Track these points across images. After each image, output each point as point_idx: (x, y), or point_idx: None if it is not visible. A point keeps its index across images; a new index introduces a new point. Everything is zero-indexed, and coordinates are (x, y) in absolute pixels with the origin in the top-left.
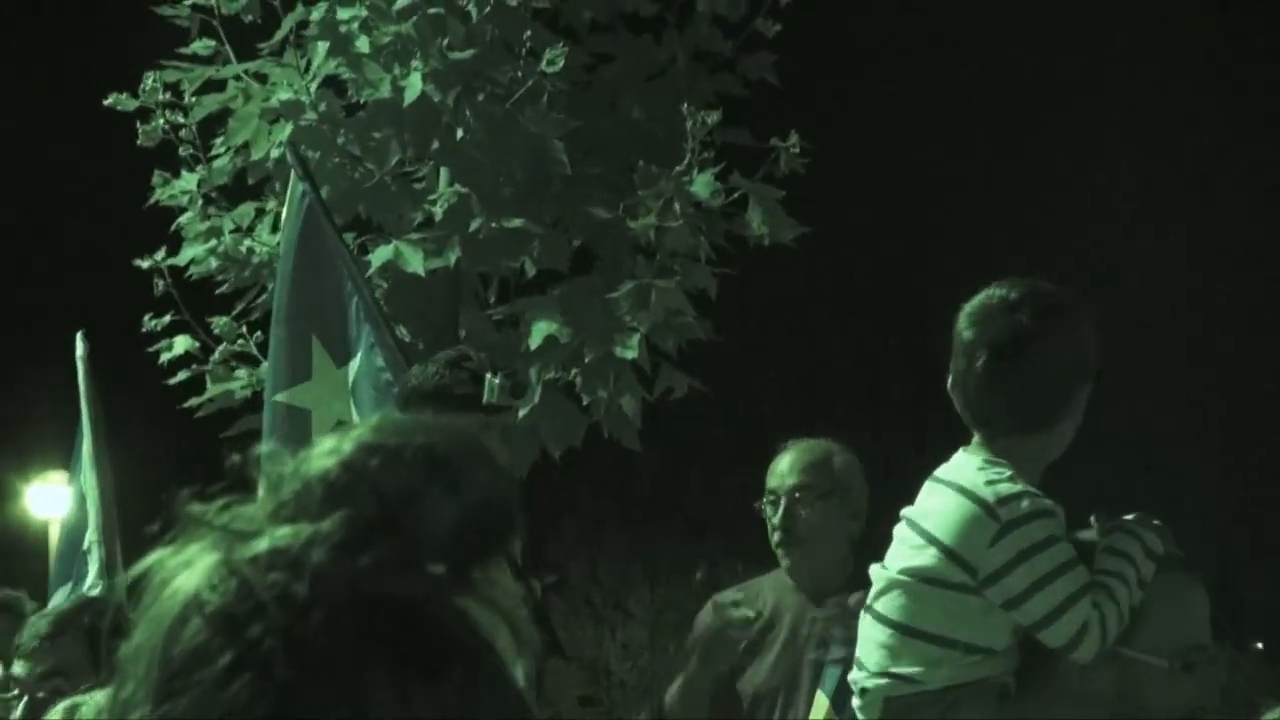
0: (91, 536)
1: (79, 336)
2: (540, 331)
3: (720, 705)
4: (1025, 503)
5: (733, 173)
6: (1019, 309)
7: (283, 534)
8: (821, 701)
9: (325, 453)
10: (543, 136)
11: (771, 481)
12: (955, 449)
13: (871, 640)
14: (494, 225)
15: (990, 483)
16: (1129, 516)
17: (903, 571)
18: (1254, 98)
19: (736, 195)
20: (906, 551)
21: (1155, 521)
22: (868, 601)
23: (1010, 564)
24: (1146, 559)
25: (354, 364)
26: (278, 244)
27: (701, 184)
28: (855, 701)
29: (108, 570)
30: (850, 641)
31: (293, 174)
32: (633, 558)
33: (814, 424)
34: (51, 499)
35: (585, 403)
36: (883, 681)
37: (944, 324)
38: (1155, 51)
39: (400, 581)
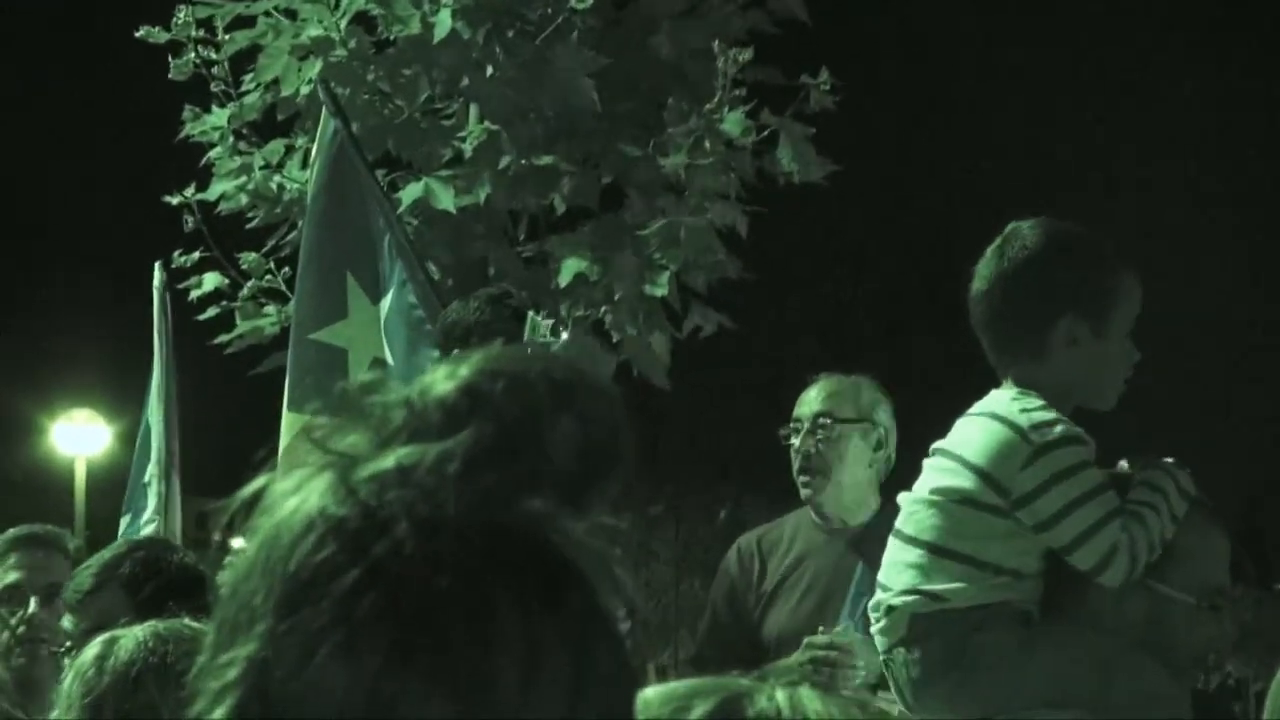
0: (152, 470)
1: (157, 266)
2: (570, 269)
3: (749, 646)
4: (1058, 428)
5: (763, 110)
6: (1018, 238)
7: (407, 453)
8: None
9: (442, 378)
10: (573, 73)
11: (799, 409)
12: (977, 390)
13: (899, 561)
14: (524, 162)
15: (1024, 410)
16: (1155, 461)
17: (934, 492)
18: None
19: (767, 133)
20: (937, 476)
21: (1186, 468)
22: (896, 525)
23: (1042, 486)
24: (1180, 497)
25: (386, 301)
26: (308, 180)
27: (732, 121)
28: (877, 623)
29: (166, 506)
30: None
31: (324, 110)
32: (657, 497)
33: (841, 364)
34: (78, 436)
35: (615, 340)
36: (910, 599)
37: (972, 264)
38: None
39: (524, 505)
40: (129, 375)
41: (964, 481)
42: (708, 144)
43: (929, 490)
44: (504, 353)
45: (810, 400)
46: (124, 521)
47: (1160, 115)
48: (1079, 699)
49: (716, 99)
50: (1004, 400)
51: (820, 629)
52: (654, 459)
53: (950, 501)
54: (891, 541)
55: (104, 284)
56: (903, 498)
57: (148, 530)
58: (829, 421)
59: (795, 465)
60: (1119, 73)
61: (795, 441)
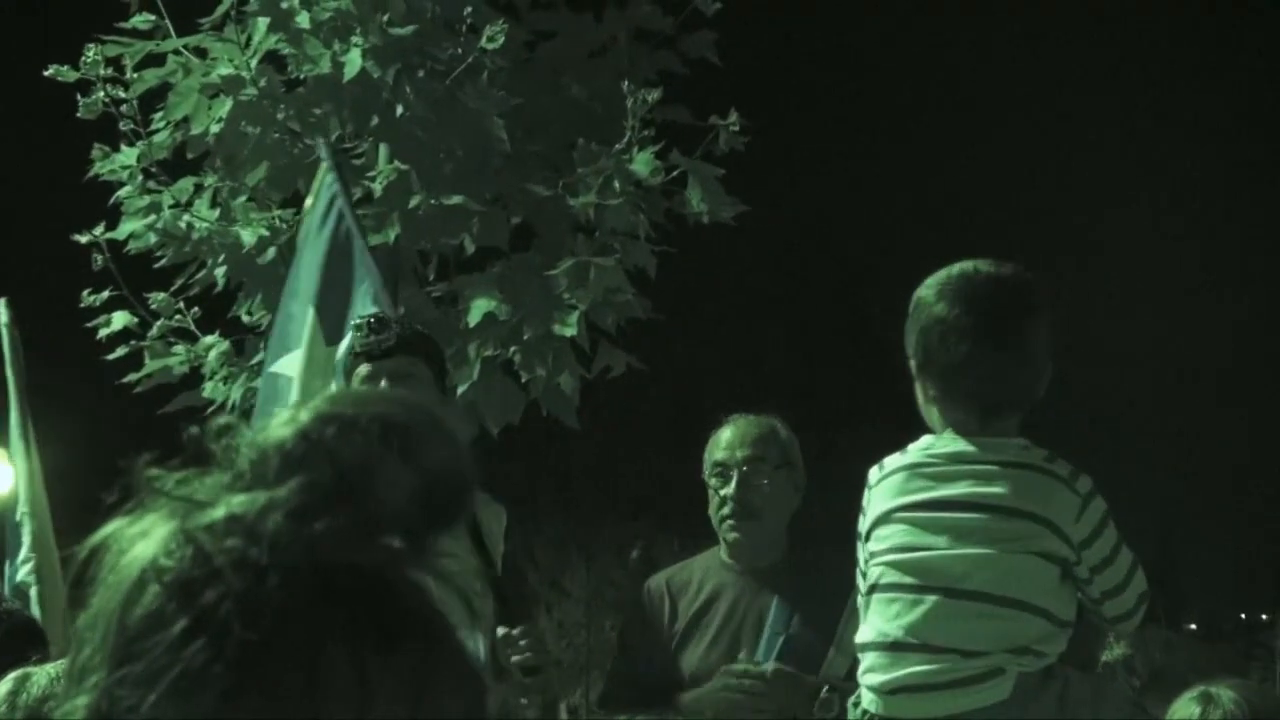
0: (23, 509)
1: (1, 304)
2: (479, 309)
3: (659, 685)
4: (1086, 477)
5: (672, 151)
6: (1012, 293)
7: (240, 501)
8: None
9: (282, 423)
10: (482, 114)
11: (718, 454)
12: (894, 429)
13: (976, 623)
14: (433, 202)
15: (1048, 459)
16: None
17: (1005, 548)
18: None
19: (676, 173)
20: (988, 532)
21: None
22: (942, 584)
23: (1093, 535)
24: None
25: (343, 345)
26: (216, 219)
27: (641, 162)
28: (951, 690)
29: (38, 545)
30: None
31: (322, 163)
32: (569, 537)
33: (752, 404)
34: None
35: (524, 380)
36: (1018, 660)
37: (885, 301)
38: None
39: (356, 549)
40: (45, 416)
41: (1033, 534)
42: (617, 184)
43: (995, 546)
44: (345, 396)
45: (733, 444)
46: (6, 566)
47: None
48: None
49: (626, 139)
50: (1013, 450)
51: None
52: (566, 499)
53: (1025, 555)
54: (943, 602)
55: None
56: (923, 556)
57: (25, 570)
58: (759, 467)
59: (723, 511)
60: (1037, 111)
61: (720, 487)
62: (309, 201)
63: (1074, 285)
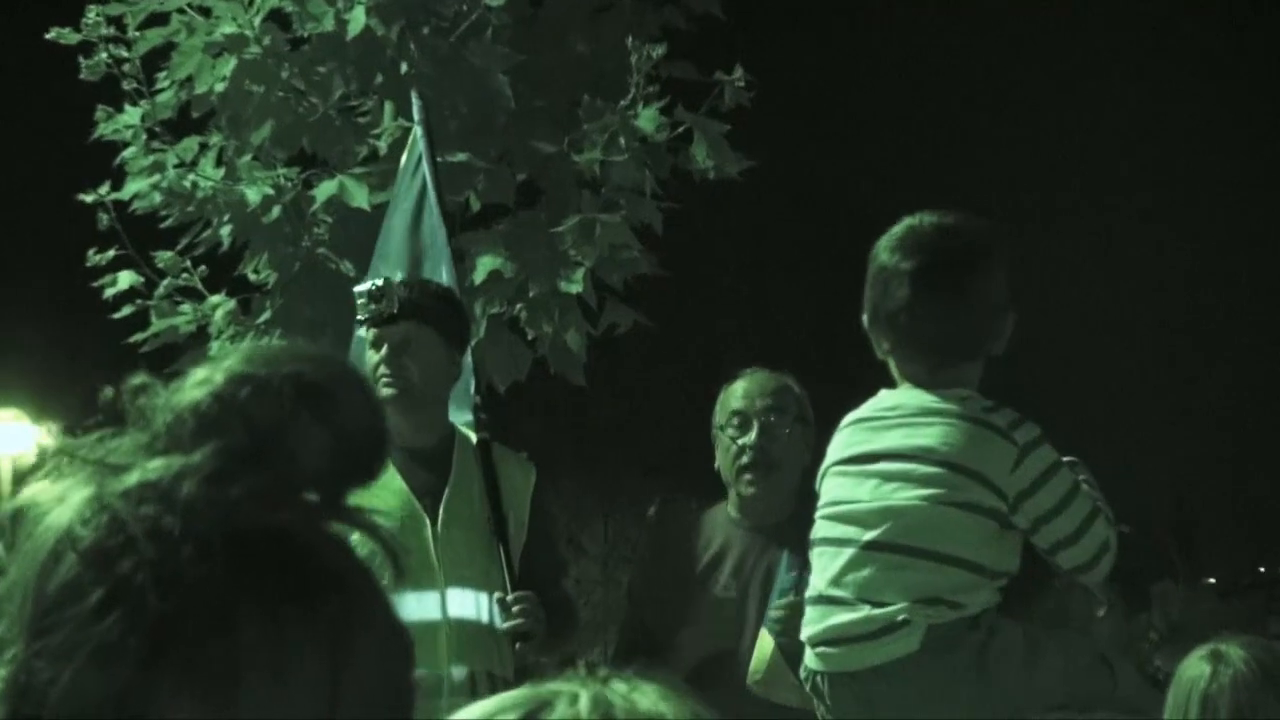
0: None
1: None
2: (485, 266)
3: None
4: (1030, 426)
5: (677, 107)
6: (956, 237)
7: (154, 466)
8: (766, 640)
9: (196, 383)
10: (487, 70)
11: (735, 403)
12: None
13: (890, 574)
14: (438, 160)
15: (988, 410)
16: (1066, 458)
17: (924, 499)
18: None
19: (682, 129)
20: (911, 484)
21: (1080, 464)
22: (863, 537)
23: (1034, 486)
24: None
25: None
26: (221, 178)
27: (646, 118)
28: (867, 641)
29: None
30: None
31: (416, 122)
32: (586, 493)
33: (766, 361)
34: (3, 436)
35: (530, 337)
36: (930, 610)
37: None
38: None
39: (272, 510)
40: (55, 375)
41: (958, 486)
42: (622, 140)
43: (916, 497)
44: (258, 354)
45: (751, 394)
46: None
47: (1092, 111)
48: (1094, 698)
49: (631, 95)
50: (952, 401)
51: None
52: (583, 456)
53: (947, 506)
54: (862, 554)
55: (26, 285)
56: (849, 508)
57: None
58: (781, 418)
59: (740, 461)
60: (1045, 66)
61: (738, 436)
62: (403, 160)
63: (1089, 244)
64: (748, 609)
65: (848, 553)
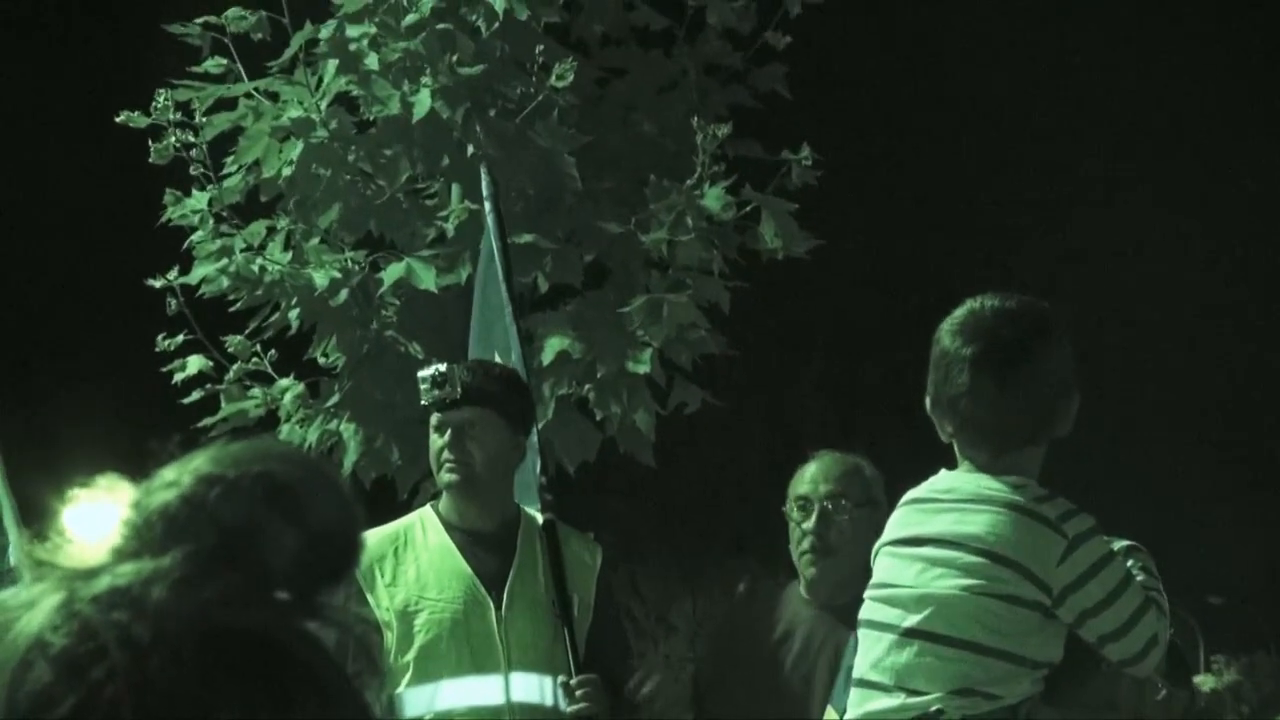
0: (15, 551)
1: None
2: (553, 347)
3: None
4: (1083, 518)
5: (744, 186)
6: (1016, 322)
7: (123, 571)
8: (831, 716)
9: (164, 485)
10: (554, 151)
11: (801, 488)
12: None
13: (926, 662)
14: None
15: (1039, 499)
16: (1124, 542)
17: (965, 589)
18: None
19: (749, 208)
20: (954, 571)
21: (1141, 550)
22: (904, 623)
23: (1081, 579)
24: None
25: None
26: (289, 262)
27: (713, 197)
28: None
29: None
30: None
31: (485, 197)
32: (672, 571)
33: (846, 437)
34: (88, 517)
35: (599, 418)
36: (964, 700)
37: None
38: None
39: (245, 613)
40: (129, 460)
41: (1000, 578)
42: (689, 220)
43: (957, 586)
44: (226, 455)
45: (816, 479)
46: None
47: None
48: None
49: (697, 175)
50: (1004, 489)
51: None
52: (669, 532)
53: (987, 598)
54: (901, 640)
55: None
56: (894, 592)
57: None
58: (840, 504)
59: (802, 545)
60: (1115, 141)
61: (801, 520)
62: (482, 241)
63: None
64: (814, 688)
65: (888, 638)
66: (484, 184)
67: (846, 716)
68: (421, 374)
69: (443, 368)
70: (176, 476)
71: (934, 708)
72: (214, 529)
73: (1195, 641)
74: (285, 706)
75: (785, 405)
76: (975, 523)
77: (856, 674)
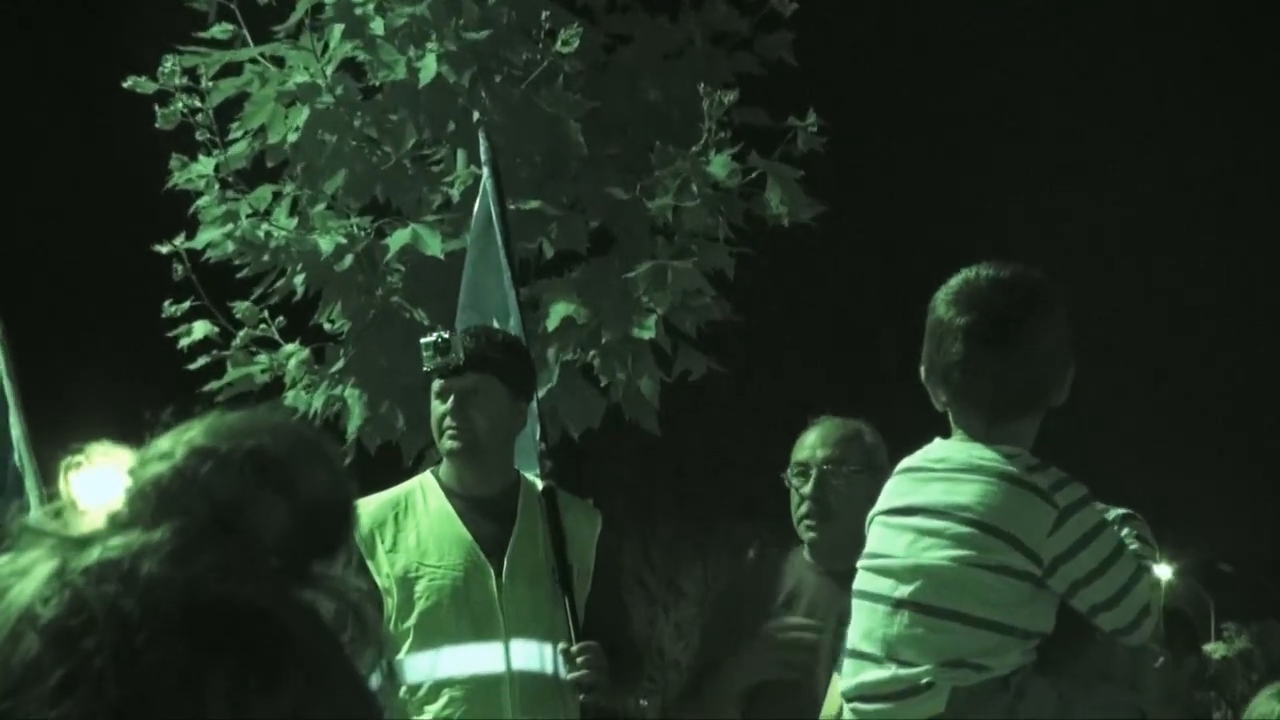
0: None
1: None
2: (558, 313)
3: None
4: (1074, 487)
5: (750, 152)
6: (1012, 290)
7: (114, 544)
8: (838, 684)
9: (158, 456)
10: (559, 118)
11: (800, 454)
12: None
13: (917, 634)
14: (511, 207)
15: (1031, 469)
16: (1120, 510)
17: (955, 560)
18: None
19: (754, 175)
20: (944, 542)
21: (1137, 518)
22: (895, 594)
23: (1073, 549)
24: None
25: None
26: (295, 227)
27: (719, 164)
28: (893, 701)
29: None
30: None
31: (484, 163)
32: (684, 538)
33: (854, 402)
34: (91, 484)
35: (604, 384)
36: (954, 672)
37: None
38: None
39: (235, 585)
40: (136, 425)
41: (990, 548)
42: (695, 187)
43: (947, 557)
44: (220, 427)
45: (814, 444)
46: None
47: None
48: None
49: (703, 141)
50: (996, 457)
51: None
52: (679, 498)
53: (977, 569)
54: (893, 611)
55: (104, 335)
56: (886, 562)
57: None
58: (838, 469)
59: (800, 510)
60: (1120, 111)
61: (800, 485)
62: (475, 205)
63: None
64: (819, 654)
65: (880, 609)
66: (482, 149)
67: (840, 687)
68: (424, 340)
69: (445, 334)
70: (170, 448)
71: (924, 679)
72: (205, 502)
73: (1206, 609)
74: (274, 677)
75: (794, 371)
76: (966, 492)
77: (849, 644)
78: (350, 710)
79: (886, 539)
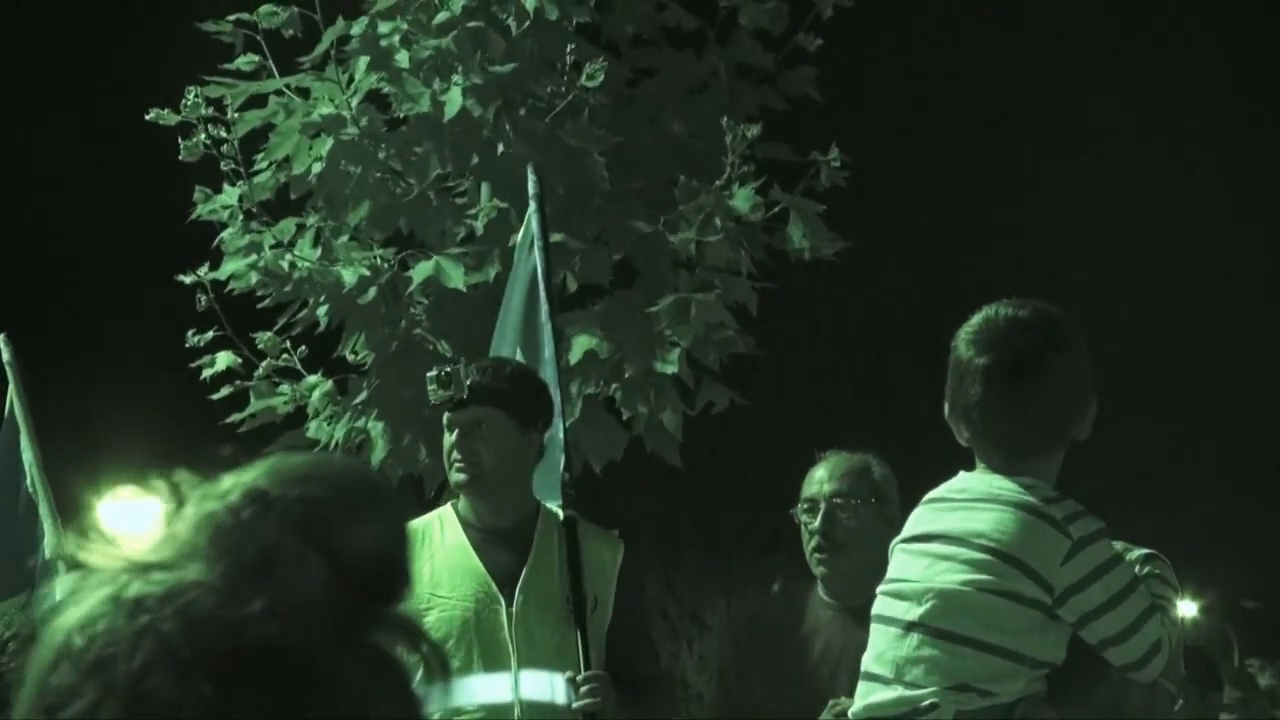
0: (52, 543)
1: (1, 340)
2: (581, 346)
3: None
4: (1090, 520)
5: (773, 187)
6: (1030, 330)
7: (159, 578)
8: None
9: (218, 494)
10: (583, 151)
11: (809, 489)
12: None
13: (925, 656)
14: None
15: (1048, 500)
16: (1143, 551)
17: (966, 584)
18: None
19: (777, 209)
20: (957, 566)
21: (1161, 559)
22: (907, 616)
23: (1085, 581)
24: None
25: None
26: (318, 259)
27: (742, 198)
28: None
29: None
30: None
31: (531, 196)
32: (708, 571)
33: (883, 436)
34: (125, 513)
35: (626, 417)
36: (959, 695)
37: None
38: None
39: (279, 632)
40: (166, 455)
41: (1001, 574)
42: (718, 221)
43: (958, 581)
44: (280, 469)
45: (822, 479)
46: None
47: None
48: None
49: (726, 175)
50: (1014, 488)
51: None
52: (703, 532)
53: (987, 594)
54: (904, 634)
55: (134, 365)
56: (901, 586)
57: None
58: (846, 502)
59: (810, 545)
60: (1144, 146)
61: (809, 521)
62: (519, 237)
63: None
64: (837, 688)
65: (893, 631)
66: (530, 183)
67: (852, 709)
68: (429, 374)
69: (448, 368)
70: (230, 486)
71: (928, 700)
72: (252, 546)
73: (1229, 647)
74: None
75: (820, 404)
76: (982, 520)
77: (864, 667)
78: None
79: (904, 565)
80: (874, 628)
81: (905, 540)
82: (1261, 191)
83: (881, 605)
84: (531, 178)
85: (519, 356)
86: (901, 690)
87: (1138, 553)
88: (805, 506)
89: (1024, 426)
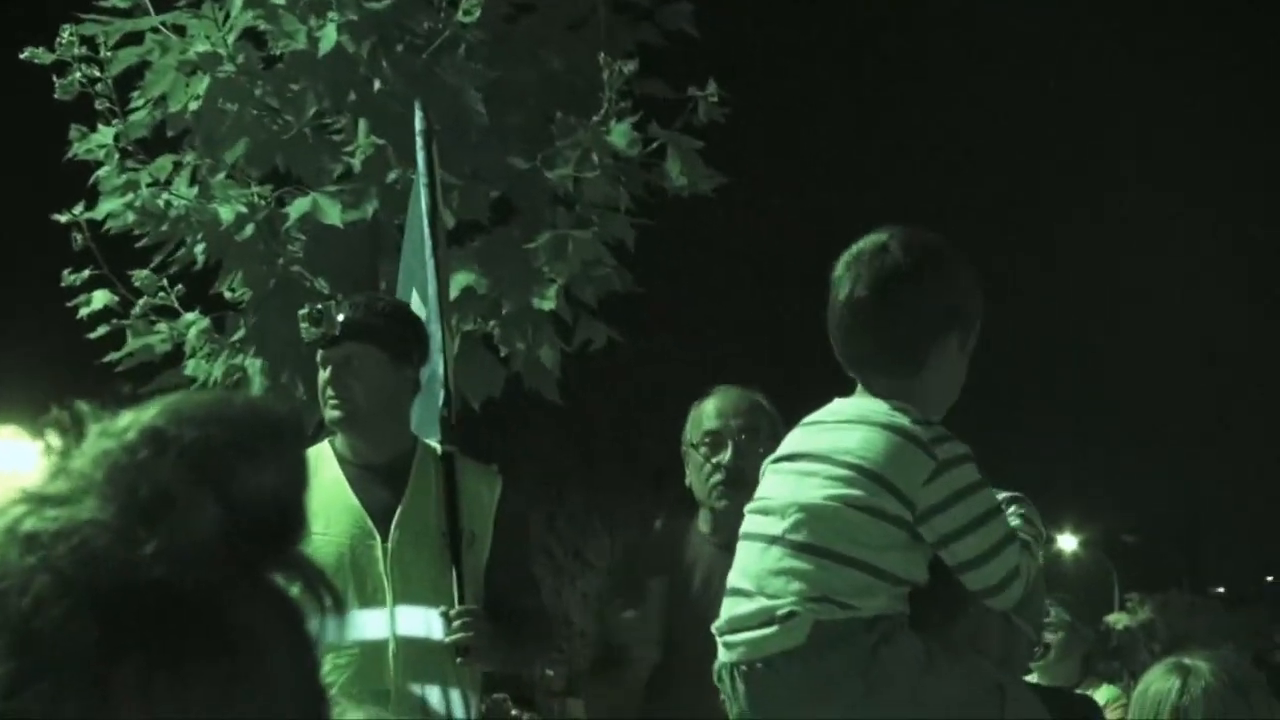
0: None
1: None
2: (459, 283)
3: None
4: (955, 444)
5: (651, 123)
6: (889, 251)
7: (53, 514)
8: None
9: (116, 431)
10: (460, 87)
11: (709, 424)
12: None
13: (785, 567)
14: (411, 176)
15: (916, 422)
16: (1007, 493)
17: (830, 499)
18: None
19: (655, 146)
20: (823, 482)
21: (1025, 500)
22: (764, 530)
23: (946, 502)
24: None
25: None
26: (195, 197)
27: (619, 134)
28: (758, 631)
29: None
30: None
31: (417, 132)
32: (591, 508)
33: (761, 376)
34: (4, 453)
35: (504, 354)
36: (817, 605)
37: None
38: None
39: (174, 572)
40: (46, 393)
41: (865, 490)
42: (595, 157)
43: (822, 496)
44: (177, 409)
45: (725, 413)
46: None
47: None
48: None
49: (603, 112)
50: (883, 409)
51: None
52: (587, 470)
53: (850, 508)
54: (767, 548)
55: (10, 305)
56: (766, 503)
57: None
58: (754, 437)
59: (713, 479)
60: (1033, 66)
61: (712, 455)
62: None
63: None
64: (715, 619)
65: (756, 546)
66: (416, 119)
67: (716, 624)
68: (301, 312)
69: (320, 305)
70: (127, 425)
71: (786, 609)
72: (146, 486)
73: (1110, 580)
74: (187, 671)
75: (700, 340)
76: (850, 439)
77: (729, 583)
78: (288, 701)
79: (772, 484)
80: (740, 545)
81: (775, 460)
82: None
83: (748, 523)
84: (419, 114)
85: (414, 296)
86: (763, 601)
87: (1002, 495)
88: (707, 440)
89: (867, 345)
